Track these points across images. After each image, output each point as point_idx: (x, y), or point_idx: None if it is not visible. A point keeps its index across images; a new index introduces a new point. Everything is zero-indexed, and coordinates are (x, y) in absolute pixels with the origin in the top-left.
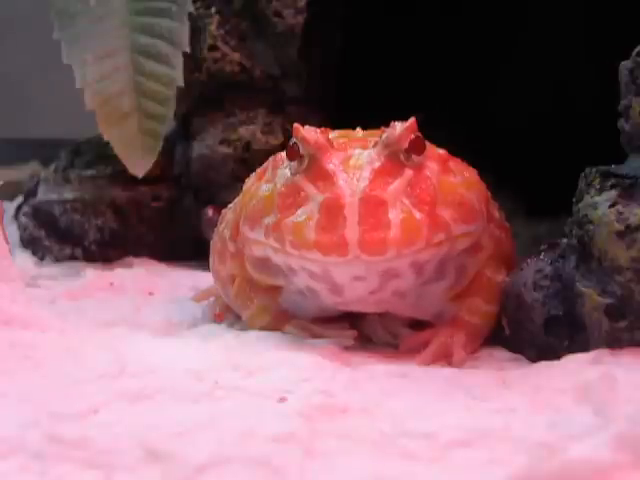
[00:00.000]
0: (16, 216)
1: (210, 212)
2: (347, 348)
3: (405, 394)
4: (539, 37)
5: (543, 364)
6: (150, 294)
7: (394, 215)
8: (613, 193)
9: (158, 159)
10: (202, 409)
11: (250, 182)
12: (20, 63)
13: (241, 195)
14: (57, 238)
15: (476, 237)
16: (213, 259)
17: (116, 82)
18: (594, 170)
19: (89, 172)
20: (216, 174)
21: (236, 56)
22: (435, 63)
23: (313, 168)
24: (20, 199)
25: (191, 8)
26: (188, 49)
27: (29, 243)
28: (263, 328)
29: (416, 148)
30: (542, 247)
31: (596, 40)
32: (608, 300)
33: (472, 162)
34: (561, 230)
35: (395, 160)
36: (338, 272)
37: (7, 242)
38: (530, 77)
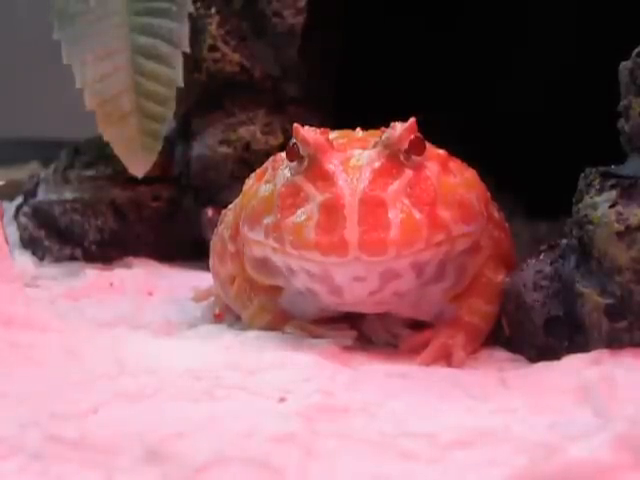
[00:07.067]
0: (16, 216)
1: (210, 212)
2: (347, 348)
3: (405, 394)
4: (539, 37)
5: (543, 364)
6: (150, 294)
7: (394, 215)
8: (613, 193)
9: (158, 159)
10: (202, 409)
11: (250, 183)
12: (20, 63)
13: (241, 196)
14: (57, 238)
15: (476, 237)
16: (213, 260)
17: (116, 82)
18: (594, 170)
19: (89, 172)
20: (216, 174)
21: (236, 56)
22: (435, 63)
23: (313, 168)
24: (20, 199)
25: (191, 8)
26: (188, 49)
27: (29, 243)
28: (263, 328)
29: (416, 148)
30: (542, 247)
31: (596, 40)
32: (608, 300)
33: (472, 163)
34: (561, 230)
35: (395, 160)
36: (338, 272)
37: (7, 242)
38: (530, 77)
